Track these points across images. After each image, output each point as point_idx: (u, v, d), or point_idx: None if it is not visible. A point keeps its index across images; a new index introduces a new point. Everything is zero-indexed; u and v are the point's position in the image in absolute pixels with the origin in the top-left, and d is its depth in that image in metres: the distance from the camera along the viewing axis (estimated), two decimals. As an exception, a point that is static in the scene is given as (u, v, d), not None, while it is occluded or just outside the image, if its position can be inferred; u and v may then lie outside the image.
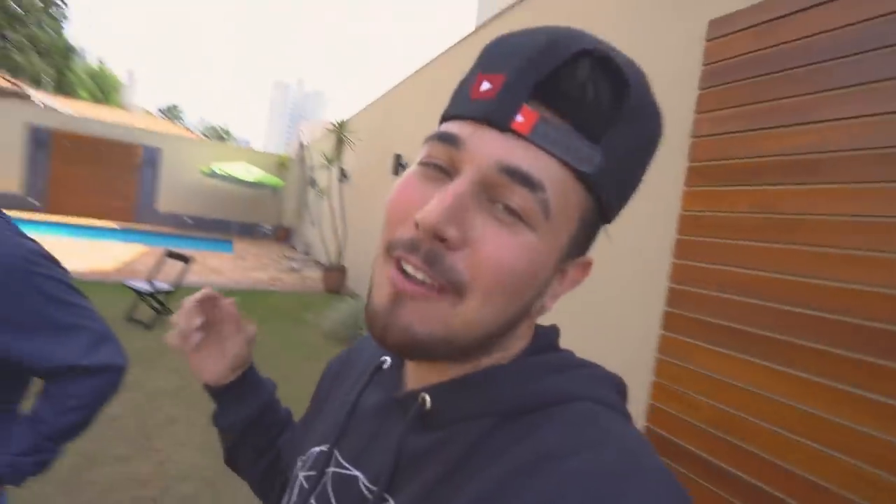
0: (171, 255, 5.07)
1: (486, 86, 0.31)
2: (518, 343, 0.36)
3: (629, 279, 2.23)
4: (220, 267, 7.95)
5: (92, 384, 0.87)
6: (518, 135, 0.29)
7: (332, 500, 0.37)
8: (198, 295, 0.53)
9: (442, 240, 0.29)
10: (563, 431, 0.29)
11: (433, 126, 0.35)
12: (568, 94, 0.29)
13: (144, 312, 4.65)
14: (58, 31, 26.32)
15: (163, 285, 4.72)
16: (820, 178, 1.53)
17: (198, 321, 0.52)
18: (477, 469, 0.30)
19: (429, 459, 0.33)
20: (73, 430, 0.86)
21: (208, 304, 0.54)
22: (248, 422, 0.56)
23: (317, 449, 0.43)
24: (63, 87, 27.99)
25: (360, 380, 0.46)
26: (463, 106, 0.32)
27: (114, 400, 0.95)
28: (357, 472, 0.37)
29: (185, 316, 0.52)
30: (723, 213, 1.82)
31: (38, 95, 13.01)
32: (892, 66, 1.38)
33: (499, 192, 0.29)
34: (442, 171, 0.31)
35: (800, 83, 1.61)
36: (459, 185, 0.29)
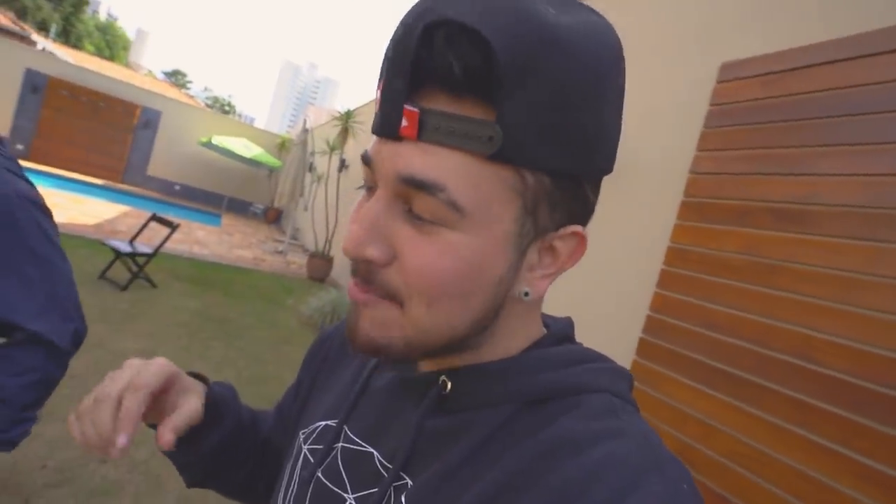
0: (158, 219, 4.98)
1: (378, 95, 0.30)
2: (521, 332, 0.36)
3: (611, 301, 2.25)
4: (204, 239, 7.83)
5: (45, 354, 0.83)
6: (408, 140, 0.28)
7: (343, 475, 0.37)
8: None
9: (368, 261, 0.30)
10: (585, 421, 0.30)
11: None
12: (438, 75, 0.27)
13: (119, 273, 4.55)
14: (72, -22, 25.84)
15: (144, 248, 4.63)
16: (804, 229, 1.57)
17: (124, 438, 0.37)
18: (499, 453, 0.31)
19: (449, 442, 0.33)
20: (40, 400, 0.85)
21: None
22: (220, 446, 0.47)
23: (322, 423, 0.42)
24: (69, 37, 27.43)
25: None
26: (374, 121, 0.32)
27: (77, 357, 0.92)
28: (371, 449, 0.37)
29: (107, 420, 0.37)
30: (710, 250, 1.86)
31: (40, 40, 12.72)
32: (889, 131, 1.43)
33: (409, 199, 0.29)
34: (372, 191, 0.32)
35: (798, 135, 1.66)
36: (372, 204, 0.30)
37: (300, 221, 10.40)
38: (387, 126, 0.29)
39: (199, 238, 7.76)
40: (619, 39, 0.31)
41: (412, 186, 0.28)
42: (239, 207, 13.08)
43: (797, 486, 1.42)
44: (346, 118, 6.92)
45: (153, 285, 4.63)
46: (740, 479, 1.56)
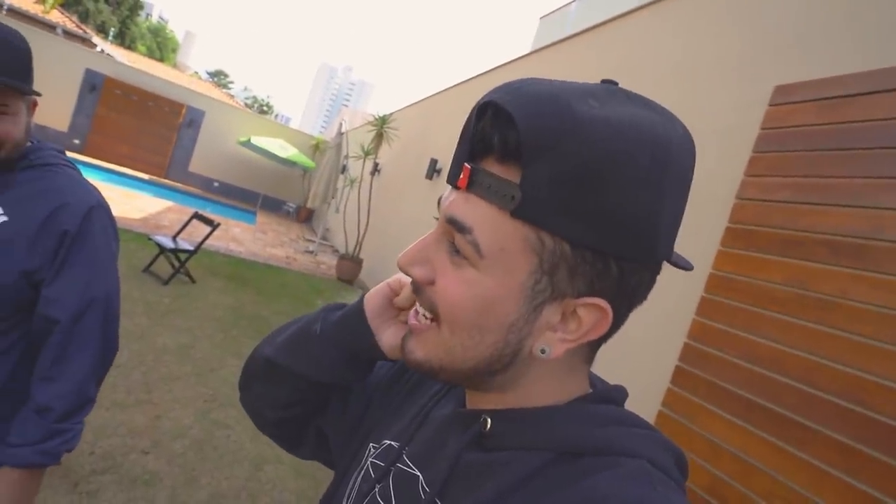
0: (200, 217, 5.19)
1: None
2: (559, 388, 0.37)
3: (647, 326, 2.20)
4: (240, 237, 8.09)
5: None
6: (461, 189, 0.35)
7: (392, 494, 0.41)
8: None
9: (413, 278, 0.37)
10: (616, 484, 0.30)
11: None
12: (483, 144, 0.33)
13: (162, 267, 4.76)
14: (129, -17, 27.30)
15: (185, 245, 4.83)
16: (862, 265, 1.50)
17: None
18: (530, 499, 0.32)
19: (484, 477, 0.35)
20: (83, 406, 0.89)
21: None
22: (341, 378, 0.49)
23: (387, 442, 0.46)
24: (124, 39, 28.97)
25: (439, 389, 0.49)
26: None
27: (120, 349, 0.97)
28: (418, 473, 0.40)
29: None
30: (755, 279, 1.79)
31: (100, 42, 13.48)
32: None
33: (453, 236, 0.35)
34: None
35: (858, 165, 1.58)
36: (429, 234, 0.37)
37: (331, 222, 10.60)
38: (451, 177, 0.36)
39: (235, 235, 8.02)
40: (666, 137, 0.32)
41: (453, 226, 0.34)
42: (272, 205, 13.45)
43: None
44: (382, 123, 7.02)
45: (192, 281, 4.82)
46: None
